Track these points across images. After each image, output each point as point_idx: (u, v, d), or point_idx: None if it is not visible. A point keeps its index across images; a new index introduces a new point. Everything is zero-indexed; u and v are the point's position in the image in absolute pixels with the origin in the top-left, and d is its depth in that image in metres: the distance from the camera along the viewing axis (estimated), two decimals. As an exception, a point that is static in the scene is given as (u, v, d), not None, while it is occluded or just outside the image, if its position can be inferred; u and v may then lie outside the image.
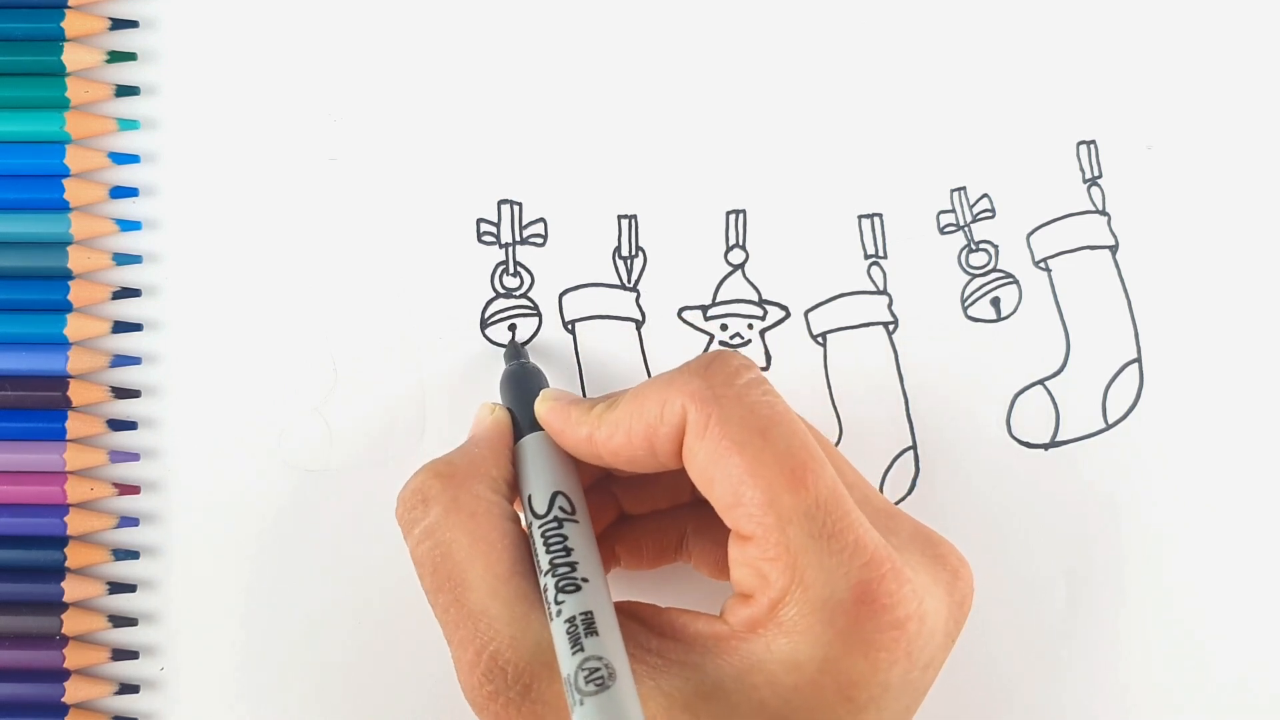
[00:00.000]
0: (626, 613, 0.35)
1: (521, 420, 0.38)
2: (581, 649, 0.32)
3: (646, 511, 0.39)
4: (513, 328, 0.42)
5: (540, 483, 0.36)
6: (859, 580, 0.32)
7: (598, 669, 0.31)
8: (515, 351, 0.42)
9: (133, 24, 0.43)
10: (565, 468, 0.37)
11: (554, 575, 0.34)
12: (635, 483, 0.39)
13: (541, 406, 0.37)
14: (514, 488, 0.37)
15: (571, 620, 0.32)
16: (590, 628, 0.32)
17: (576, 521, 0.35)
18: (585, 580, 0.33)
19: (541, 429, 0.37)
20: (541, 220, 0.43)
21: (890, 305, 0.43)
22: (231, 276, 0.42)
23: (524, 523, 0.36)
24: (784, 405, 0.34)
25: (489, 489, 0.36)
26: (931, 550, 0.34)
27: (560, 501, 0.35)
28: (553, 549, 0.34)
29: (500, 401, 0.39)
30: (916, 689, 0.33)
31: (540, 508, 0.35)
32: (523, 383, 0.39)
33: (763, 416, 0.33)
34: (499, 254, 0.43)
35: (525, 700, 0.32)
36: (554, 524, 0.35)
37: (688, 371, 0.34)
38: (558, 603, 0.33)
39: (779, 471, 0.32)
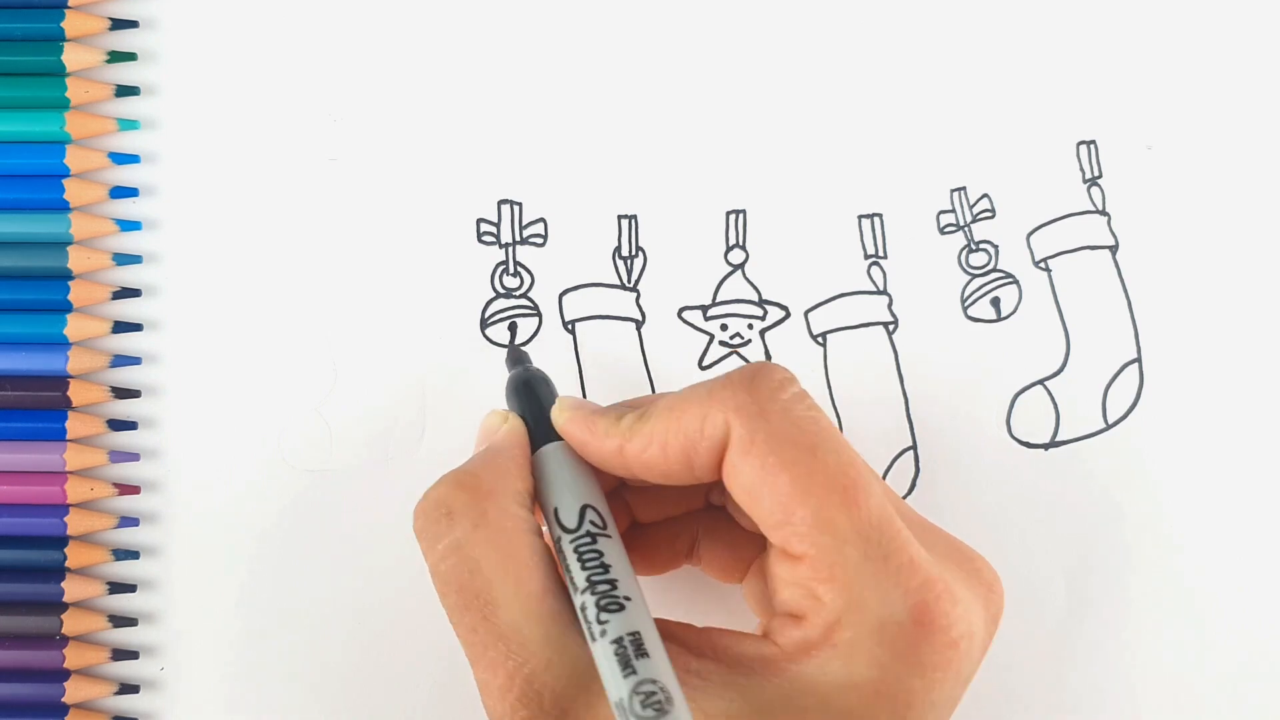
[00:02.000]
0: (664, 633, 0.33)
1: (534, 429, 0.37)
2: (634, 671, 0.31)
3: (659, 519, 0.39)
4: (513, 328, 0.42)
5: (567, 495, 0.35)
6: (916, 602, 0.31)
7: (654, 693, 0.30)
8: (517, 356, 0.40)
9: (133, 24, 0.43)
10: (589, 478, 0.35)
11: (593, 593, 0.32)
12: (650, 490, 0.38)
13: (561, 417, 0.36)
14: (534, 500, 0.35)
15: (619, 641, 0.31)
16: (640, 649, 0.31)
17: (609, 536, 0.34)
18: (628, 599, 0.32)
19: (558, 438, 0.36)
20: (541, 220, 0.43)
21: (890, 305, 0.43)
22: (231, 276, 0.42)
23: (549, 536, 0.35)
24: (828, 421, 0.33)
25: (515, 503, 0.34)
26: (968, 565, 0.34)
27: (591, 515, 0.34)
28: (589, 565, 0.33)
29: (507, 409, 0.38)
30: (954, 703, 0.33)
31: (570, 521, 0.34)
32: (532, 390, 0.38)
33: (810, 433, 0.32)
34: (499, 254, 0.43)
35: None
36: (587, 539, 0.33)
37: (730, 385, 0.33)
38: (600, 622, 0.32)
39: (830, 490, 0.31)
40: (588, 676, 0.31)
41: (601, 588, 0.32)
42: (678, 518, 0.39)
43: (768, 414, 0.32)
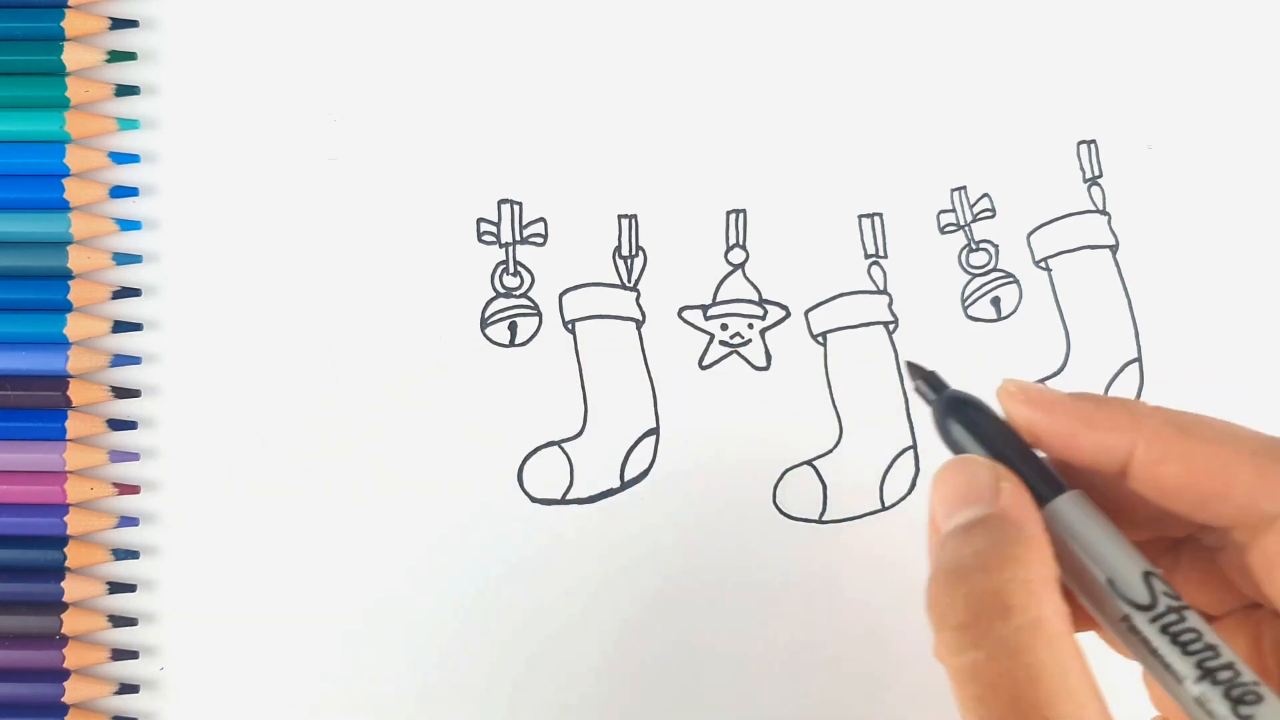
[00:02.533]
0: None
1: (1030, 478, 0.30)
2: None
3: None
4: (513, 327, 0.42)
5: (1121, 560, 0.29)
6: None
7: None
8: (932, 379, 0.33)
9: (133, 24, 0.43)
10: (1126, 536, 0.29)
11: (1214, 683, 0.27)
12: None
13: (1017, 397, 0.31)
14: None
15: None
16: None
17: (1189, 608, 0.28)
18: (1258, 685, 0.27)
19: (1065, 488, 0.30)
20: (541, 220, 0.43)
21: (890, 305, 0.43)
22: (231, 276, 0.42)
23: (1112, 617, 0.29)
24: None
25: (1061, 599, 0.28)
26: None
27: (1159, 585, 0.28)
28: (1193, 650, 0.28)
29: (954, 452, 0.32)
30: None
31: (1139, 596, 0.28)
32: (988, 421, 0.31)
33: None
34: (499, 254, 0.43)
35: None
36: (1175, 616, 0.28)
37: None
38: (1241, 717, 0.27)
39: None
40: None
41: (1224, 675, 0.27)
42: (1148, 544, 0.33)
43: None
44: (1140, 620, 0.28)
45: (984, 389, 0.42)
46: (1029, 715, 0.27)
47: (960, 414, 0.32)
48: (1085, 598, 0.29)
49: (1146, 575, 0.29)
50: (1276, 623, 0.31)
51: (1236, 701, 0.27)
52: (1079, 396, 0.31)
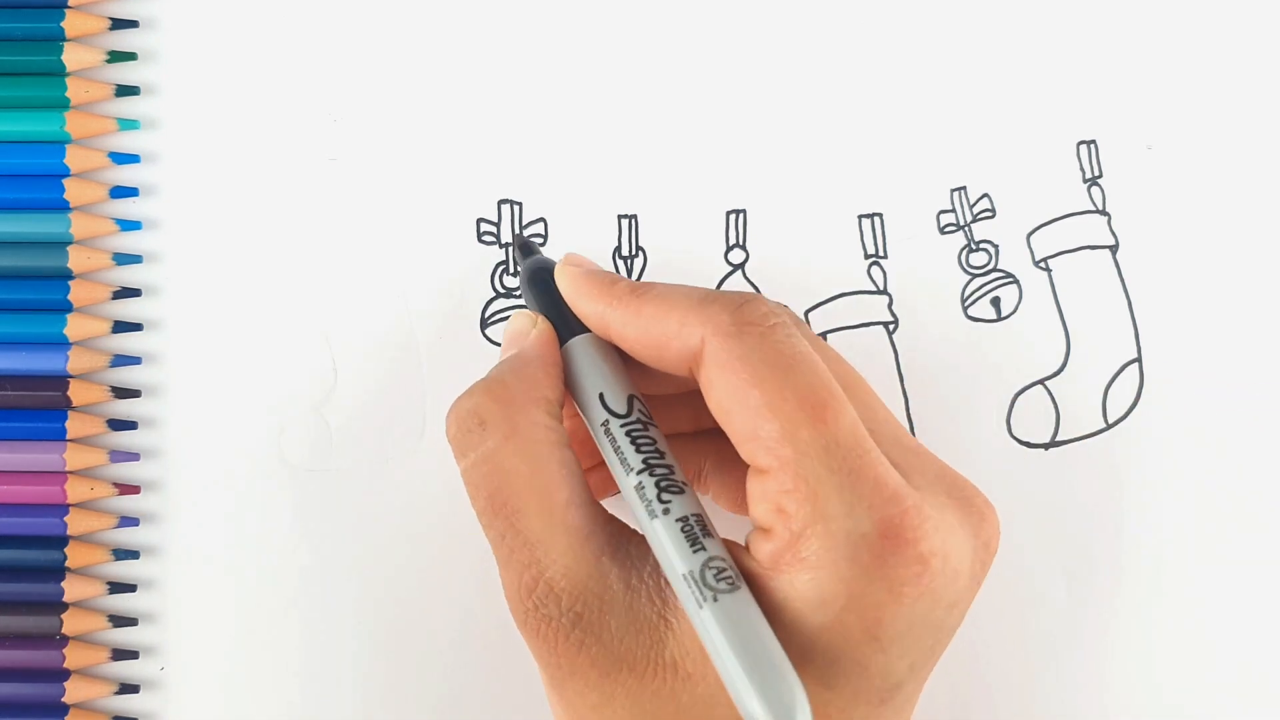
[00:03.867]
0: None
1: (560, 320, 0.37)
2: (703, 549, 0.32)
3: (668, 434, 0.38)
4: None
5: (612, 383, 0.35)
6: (882, 516, 0.32)
7: (725, 569, 0.32)
8: (526, 245, 0.40)
9: (133, 24, 0.43)
10: (625, 370, 0.36)
11: (652, 475, 0.33)
12: (659, 403, 0.38)
13: (563, 272, 0.37)
14: (561, 407, 0.36)
15: (684, 520, 0.33)
16: (705, 530, 0.32)
17: (656, 426, 0.35)
18: (685, 484, 0.33)
19: (587, 330, 0.36)
20: (541, 220, 0.43)
21: (890, 305, 0.43)
22: (231, 276, 0.42)
23: (596, 423, 0.35)
24: (808, 347, 0.34)
25: (546, 413, 0.35)
26: (958, 492, 0.34)
27: (638, 405, 0.35)
28: (644, 449, 0.34)
29: (528, 307, 0.38)
30: (941, 629, 0.33)
31: (619, 407, 0.35)
32: (549, 279, 0.38)
33: (785, 354, 0.33)
34: (499, 254, 0.43)
35: (575, 628, 0.33)
36: (639, 425, 0.34)
37: (717, 303, 0.34)
38: (663, 501, 0.33)
39: (798, 406, 0.32)
40: (602, 586, 0.33)
41: (660, 470, 0.33)
42: (686, 441, 0.39)
43: (745, 335, 0.33)
44: (614, 425, 0.34)
45: (984, 389, 0.43)
46: (500, 509, 0.34)
47: (533, 276, 0.38)
48: (585, 416, 0.35)
49: (630, 397, 0.35)
50: (715, 442, 0.37)
51: (663, 489, 0.33)
52: (586, 271, 0.37)
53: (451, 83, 0.43)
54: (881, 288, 0.43)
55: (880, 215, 0.43)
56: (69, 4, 0.42)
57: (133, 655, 0.42)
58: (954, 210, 0.43)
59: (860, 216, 0.43)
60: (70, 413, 0.42)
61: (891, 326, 0.43)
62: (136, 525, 0.42)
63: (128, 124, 0.42)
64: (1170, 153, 0.43)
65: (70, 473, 0.42)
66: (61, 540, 0.42)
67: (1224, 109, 0.43)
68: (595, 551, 0.34)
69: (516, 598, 0.34)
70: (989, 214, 0.43)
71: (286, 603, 0.42)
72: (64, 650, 0.41)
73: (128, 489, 0.42)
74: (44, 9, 0.42)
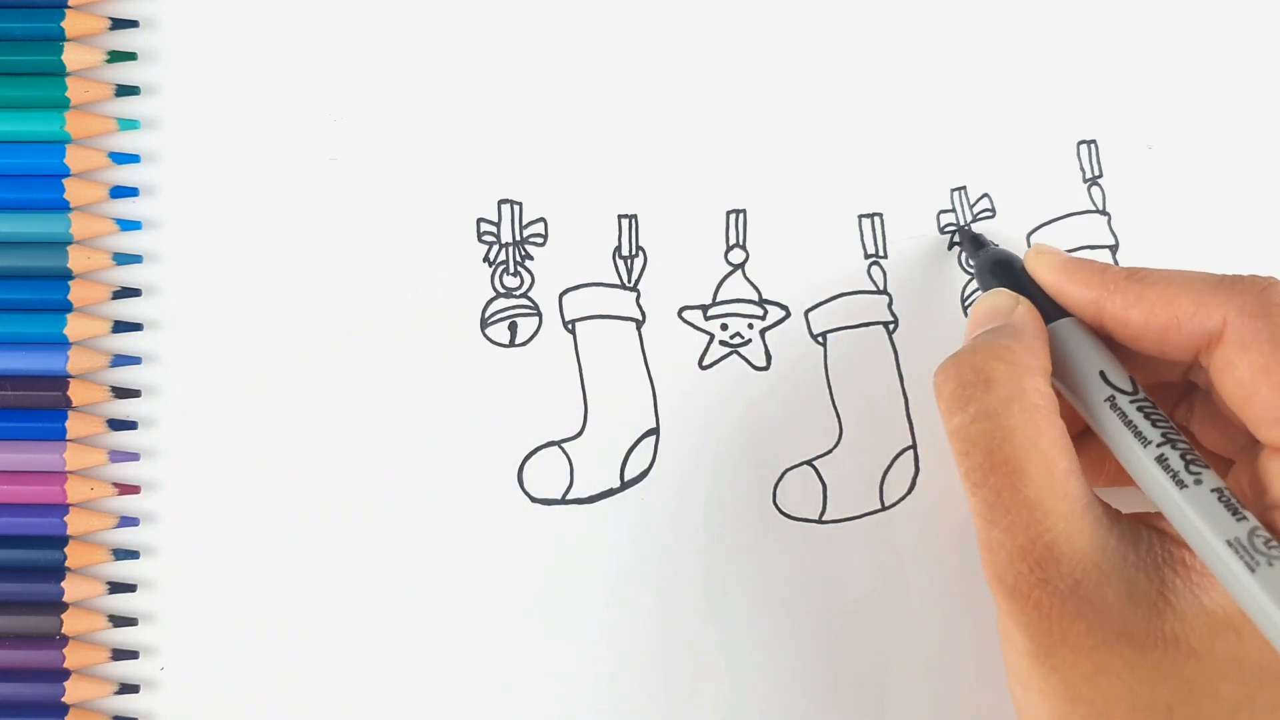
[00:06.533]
0: (1151, 524, 0.35)
1: (1042, 305, 0.38)
2: (1245, 517, 0.32)
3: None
4: (513, 327, 0.42)
5: (1112, 361, 0.36)
6: None
7: (1270, 538, 0.32)
8: (976, 239, 0.42)
9: (133, 24, 0.43)
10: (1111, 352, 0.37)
11: (1174, 448, 0.34)
12: (1126, 358, 0.38)
13: (1043, 260, 0.38)
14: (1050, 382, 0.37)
15: (1218, 490, 0.33)
16: (1240, 503, 0.33)
17: (1157, 405, 0.35)
18: (1205, 463, 0.34)
19: (1060, 315, 0.37)
20: (541, 220, 0.43)
21: (890, 305, 0.43)
22: (231, 276, 0.42)
23: (1097, 399, 0.35)
24: None
25: (1045, 383, 0.35)
26: None
27: (1138, 384, 0.36)
28: (1160, 424, 0.34)
29: (985, 289, 0.39)
30: None
31: (1123, 384, 0.35)
32: (1013, 269, 0.39)
33: None
34: (499, 254, 0.43)
35: (1073, 595, 0.33)
36: (1148, 402, 0.35)
37: (1239, 285, 0.35)
38: (1192, 472, 0.33)
39: None
40: (1101, 556, 0.33)
41: (1181, 444, 0.34)
42: (1152, 389, 0.38)
43: (1272, 316, 0.34)
44: (1123, 400, 0.35)
45: (984, 389, 0.42)
46: (1000, 466, 0.34)
47: (995, 265, 0.40)
48: (1075, 395, 0.36)
49: (1130, 376, 0.36)
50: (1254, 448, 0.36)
51: (1189, 461, 0.33)
52: (1072, 258, 0.38)
53: (452, 82, 0.43)
54: (881, 288, 0.43)
55: (880, 215, 0.43)
56: (69, 4, 0.42)
57: (133, 655, 0.42)
58: (954, 210, 0.43)
59: (860, 216, 0.43)
60: (70, 413, 0.42)
61: (891, 326, 0.43)
62: (136, 525, 0.42)
63: (128, 124, 0.42)
64: (1170, 153, 0.43)
65: (70, 473, 0.42)
66: (61, 540, 0.42)
67: (1224, 109, 0.43)
68: (1094, 521, 0.34)
69: (1008, 559, 0.34)
70: (989, 214, 0.43)
71: (286, 603, 0.42)
72: (64, 650, 0.41)
73: (128, 489, 0.42)
74: (44, 9, 0.42)
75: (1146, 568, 0.34)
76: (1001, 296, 0.38)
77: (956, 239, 0.42)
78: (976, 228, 0.43)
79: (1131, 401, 0.35)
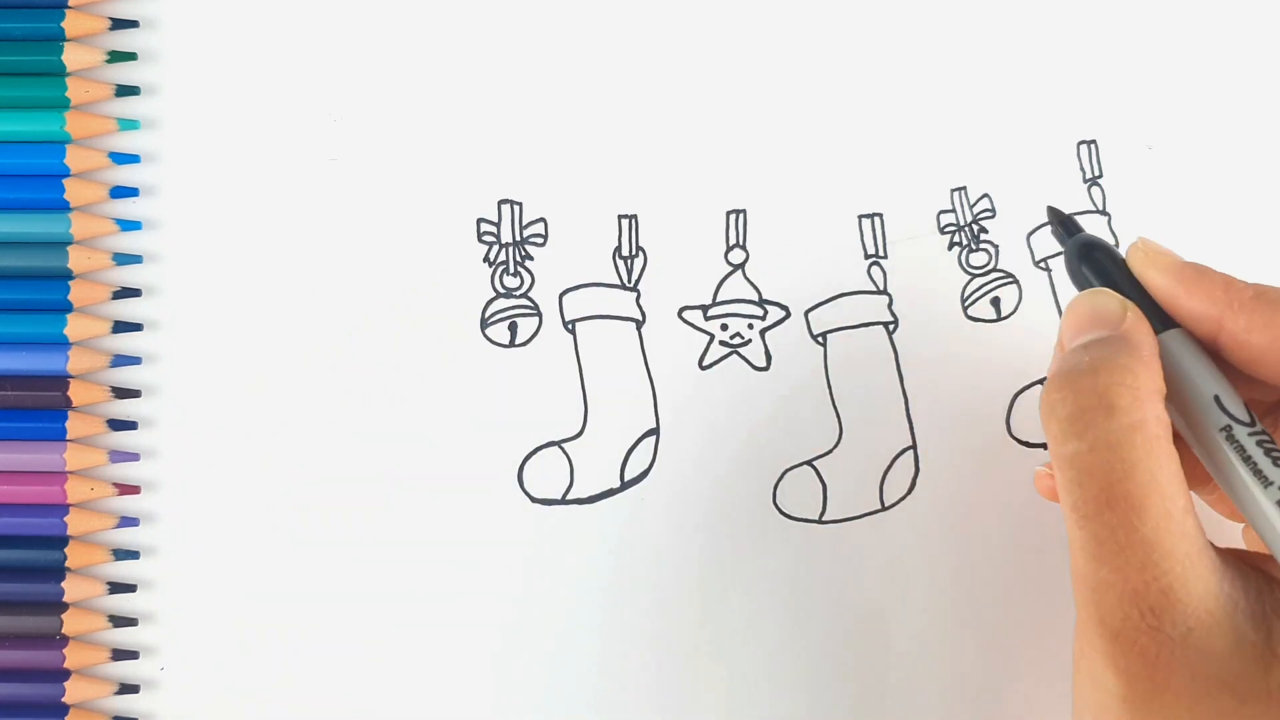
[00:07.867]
0: (1259, 567, 0.33)
1: (1148, 312, 0.34)
2: None
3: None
4: (513, 327, 0.42)
5: (1226, 386, 0.33)
6: None
7: None
8: (1070, 222, 0.37)
9: (133, 24, 0.43)
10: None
11: None
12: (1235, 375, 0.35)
13: (1152, 261, 0.35)
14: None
15: None
16: None
17: (1274, 441, 0.32)
18: None
19: (1162, 319, 0.34)
20: (541, 220, 0.43)
21: (890, 305, 0.43)
22: (231, 276, 0.42)
23: (1212, 427, 0.33)
24: None
25: (1163, 409, 0.32)
26: None
27: (1254, 414, 0.33)
28: None
29: (1075, 285, 0.36)
30: None
31: (1240, 413, 0.32)
32: (1115, 260, 0.35)
33: None
34: (499, 254, 0.43)
35: (1184, 643, 0.30)
36: (1267, 437, 0.32)
37: None
38: None
39: None
40: (1215, 604, 0.31)
41: None
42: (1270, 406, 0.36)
43: None
44: (1240, 432, 0.32)
45: (985, 389, 0.43)
46: (1118, 502, 0.31)
47: (1091, 255, 0.36)
48: (1184, 418, 0.33)
49: (1246, 404, 0.33)
50: None
51: None
52: (1188, 264, 0.35)
53: (452, 83, 0.43)
54: (881, 288, 0.43)
55: (880, 215, 0.43)
56: (69, 4, 0.42)
57: (133, 655, 0.42)
58: (954, 210, 0.43)
59: (860, 216, 0.43)
60: (70, 413, 0.42)
61: (891, 326, 0.43)
62: (136, 525, 0.42)
63: (128, 124, 0.42)
64: (1170, 153, 0.43)
65: (70, 473, 0.42)
66: (61, 540, 0.42)
67: (1224, 109, 0.43)
68: (1209, 565, 0.31)
69: (1118, 602, 0.31)
70: (989, 214, 0.43)
71: (286, 603, 0.42)
72: (64, 650, 0.41)
73: (128, 489, 0.42)
74: (44, 9, 0.42)
75: (1255, 616, 0.31)
76: (1107, 298, 0.35)
77: (1048, 219, 0.38)
78: (976, 229, 0.43)
79: (1250, 435, 0.32)
